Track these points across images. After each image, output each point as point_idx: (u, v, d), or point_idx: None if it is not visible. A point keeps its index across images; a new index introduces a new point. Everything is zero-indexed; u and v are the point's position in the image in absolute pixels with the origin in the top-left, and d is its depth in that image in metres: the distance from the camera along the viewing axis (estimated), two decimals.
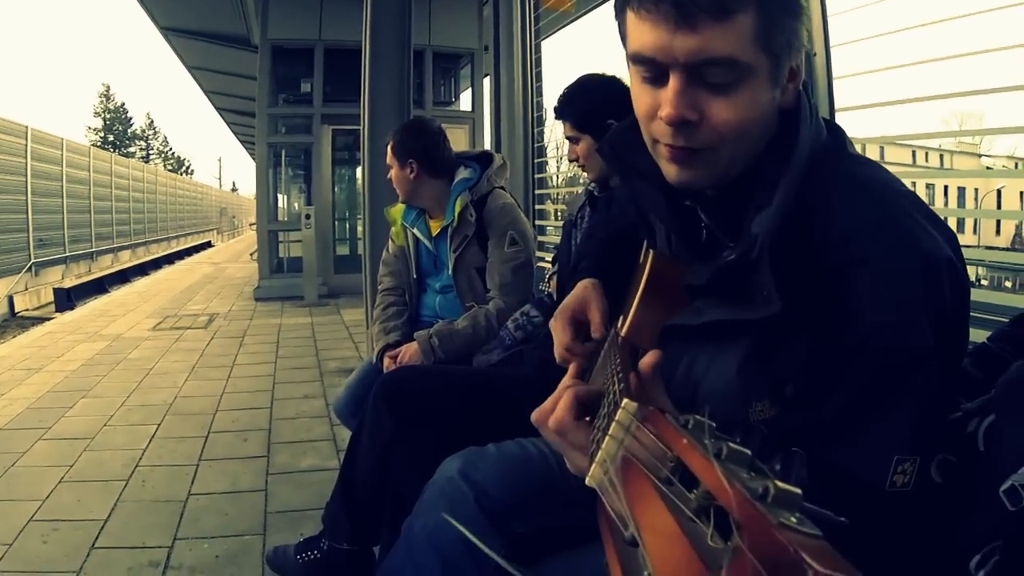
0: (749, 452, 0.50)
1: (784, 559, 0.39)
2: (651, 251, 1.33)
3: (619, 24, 1.10)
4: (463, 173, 3.16)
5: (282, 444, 4.62)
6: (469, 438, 1.77)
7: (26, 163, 19.38)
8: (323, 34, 12.25)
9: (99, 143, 71.55)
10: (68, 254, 22.57)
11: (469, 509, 1.51)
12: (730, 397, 1.07)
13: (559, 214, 6.27)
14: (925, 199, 1.08)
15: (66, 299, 17.96)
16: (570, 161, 2.87)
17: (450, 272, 3.13)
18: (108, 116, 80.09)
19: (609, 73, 2.75)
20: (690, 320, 1.10)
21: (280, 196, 14.10)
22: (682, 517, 0.49)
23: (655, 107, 1.05)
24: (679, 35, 0.97)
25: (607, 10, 1.15)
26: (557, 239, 3.96)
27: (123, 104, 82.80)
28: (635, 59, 1.06)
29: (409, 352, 2.95)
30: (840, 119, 3.13)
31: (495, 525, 1.50)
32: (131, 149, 78.84)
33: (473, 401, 2.29)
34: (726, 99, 1.01)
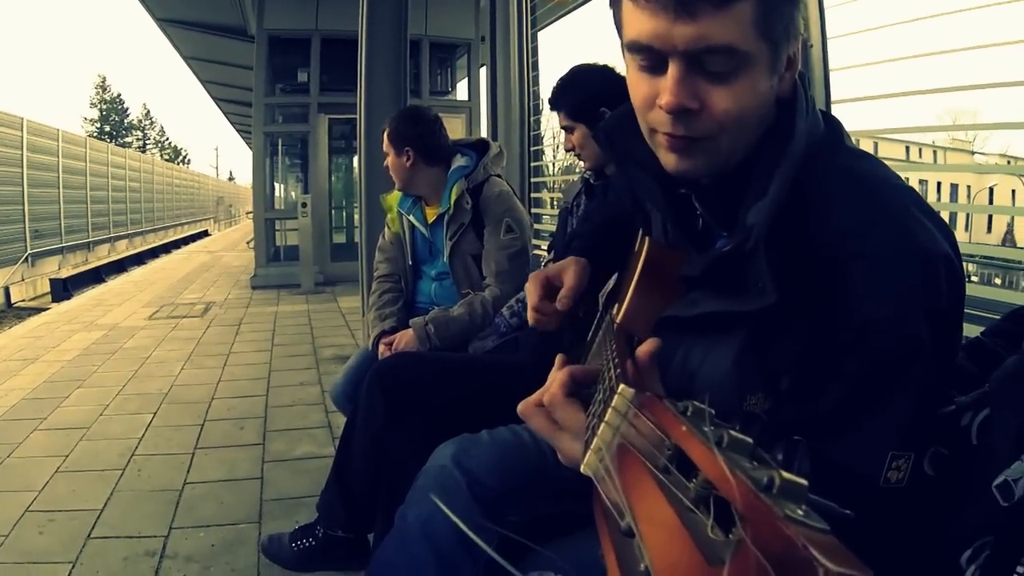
0: (751, 441, 0.49)
1: (793, 555, 0.38)
2: (647, 238, 1.32)
3: (614, 12, 1.09)
4: (459, 161, 3.16)
5: (278, 432, 4.62)
6: (463, 425, 1.76)
7: (22, 154, 19.34)
8: (320, 24, 12.22)
9: (95, 134, 71.51)
10: (64, 244, 22.55)
11: (462, 497, 1.51)
12: (726, 389, 1.05)
13: (555, 202, 6.27)
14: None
15: (62, 289, 17.91)
16: (566, 151, 2.87)
17: (446, 259, 3.13)
18: (104, 107, 80.00)
19: (602, 63, 2.75)
20: (685, 311, 1.09)
21: (277, 185, 14.09)
22: (680, 507, 0.47)
23: (653, 96, 1.04)
24: (679, 23, 0.96)
25: (603, 1, 1.14)
26: (553, 227, 3.96)
27: (119, 95, 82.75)
28: (632, 47, 1.04)
29: (404, 339, 2.95)
30: (836, 111, 3.13)
31: (488, 513, 1.50)
32: (128, 139, 78.81)
33: (467, 388, 2.29)
34: (726, 87, 1.00)
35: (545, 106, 6.42)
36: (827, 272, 0.98)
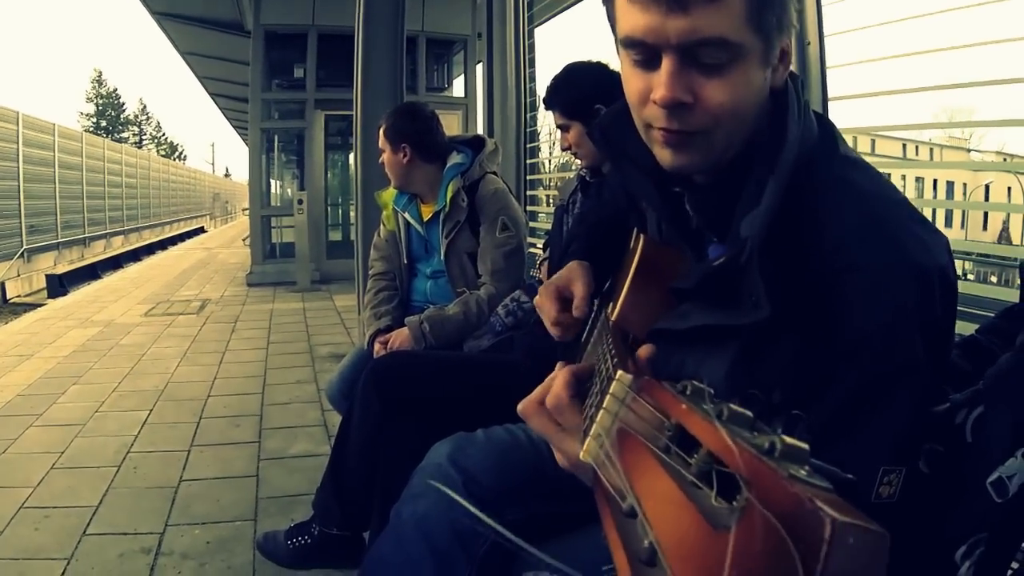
0: (751, 414, 0.49)
1: (800, 511, 0.38)
2: (641, 236, 1.32)
3: (607, 9, 1.09)
4: (455, 158, 3.15)
5: (273, 429, 4.62)
6: (458, 424, 1.76)
7: (18, 149, 19.29)
8: (316, 19, 12.22)
9: (92, 129, 71.25)
10: (60, 240, 22.50)
11: (458, 495, 1.51)
12: None
13: (551, 200, 6.27)
14: (914, 192, 1.07)
15: (58, 285, 17.90)
16: (562, 150, 2.87)
17: (441, 257, 3.12)
18: (100, 102, 79.76)
19: (596, 60, 2.75)
20: (677, 324, 1.08)
21: (273, 181, 14.08)
22: (683, 482, 0.48)
23: (647, 90, 1.04)
24: (671, 17, 0.96)
25: None
26: (549, 225, 3.96)
27: (116, 90, 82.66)
28: (626, 43, 1.04)
29: (400, 338, 2.94)
30: (833, 108, 3.13)
31: (484, 511, 1.50)
32: (124, 135, 78.52)
33: (463, 387, 2.29)
34: (719, 80, 1.00)
35: (541, 103, 6.43)
36: (821, 285, 0.97)
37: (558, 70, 2.78)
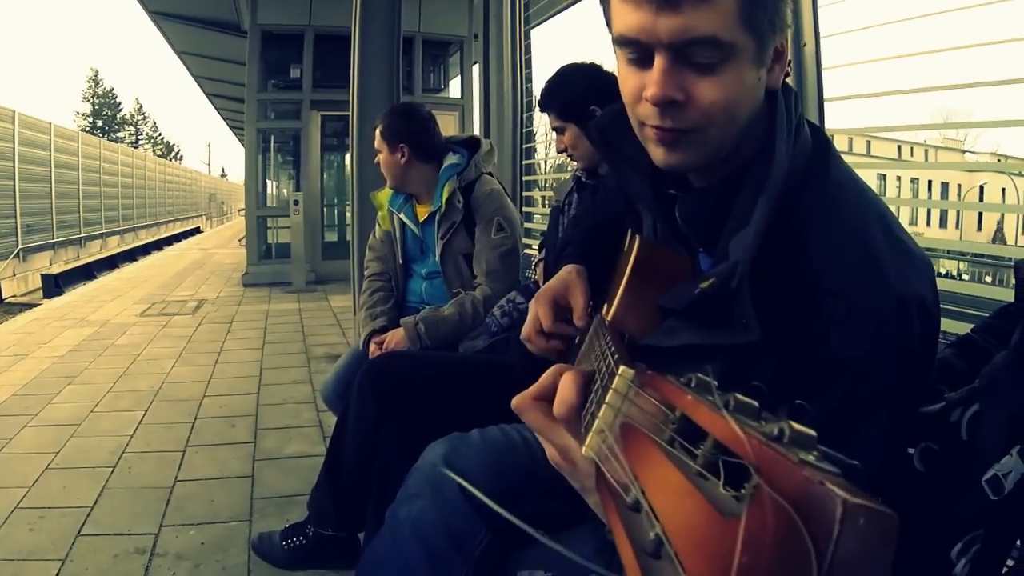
0: (757, 404, 0.49)
1: (810, 493, 0.38)
2: (637, 237, 1.33)
3: (603, 8, 1.09)
4: (451, 159, 3.15)
5: (269, 430, 4.62)
6: (453, 424, 1.77)
7: (13, 148, 19.28)
8: (313, 19, 12.20)
9: (88, 128, 71.22)
10: (56, 240, 22.48)
11: (452, 496, 1.51)
12: None
13: (547, 201, 6.27)
14: (910, 193, 1.07)
15: (54, 285, 17.89)
16: (558, 152, 2.87)
17: (437, 258, 3.12)
18: (97, 101, 79.69)
19: (590, 61, 2.76)
20: (664, 341, 1.08)
21: (269, 182, 14.06)
22: (690, 473, 0.48)
23: (641, 88, 1.04)
24: (662, 15, 0.97)
25: (595, 0, 1.14)
26: (544, 226, 3.96)
27: (112, 89, 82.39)
28: (620, 41, 1.05)
29: (395, 338, 2.94)
30: (829, 109, 3.14)
31: (478, 512, 1.50)
32: (120, 134, 78.49)
33: (458, 387, 2.30)
34: (712, 79, 1.00)
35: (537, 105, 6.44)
36: (802, 307, 0.98)
37: (554, 72, 2.79)
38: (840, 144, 1.20)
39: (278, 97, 13.03)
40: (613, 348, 0.84)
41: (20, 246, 19.54)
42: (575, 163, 2.89)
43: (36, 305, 12.74)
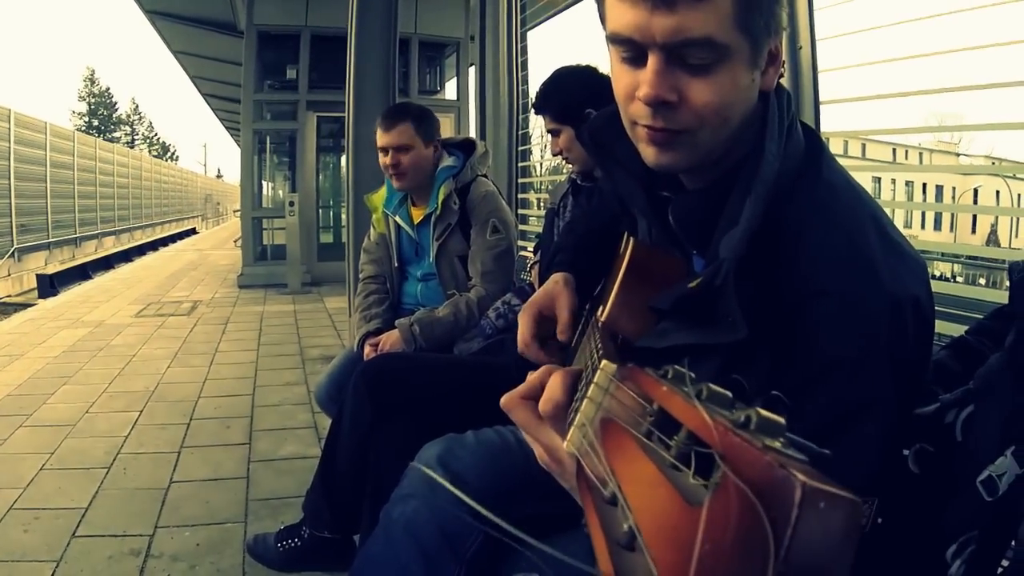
0: (730, 394, 0.49)
1: (771, 477, 0.38)
2: (631, 239, 1.33)
3: (598, 4, 1.09)
4: (447, 161, 3.15)
5: (264, 431, 4.62)
6: (448, 426, 1.77)
7: (9, 147, 19.27)
8: (309, 20, 12.19)
9: (84, 128, 71.11)
10: (51, 240, 22.46)
11: (447, 497, 1.51)
12: None
13: (542, 203, 6.28)
14: (904, 196, 1.07)
15: (49, 285, 17.82)
16: (553, 155, 2.88)
17: (432, 260, 3.13)
18: (93, 100, 79.64)
19: (585, 63, 2.76)
20: (656, 343, 1.07)
21: (265, 183, 14.05)
22: (663, 465, 0.48)
23: (634, 87, 1.04)
24: (657, 15, 0.96)
25: (592, 2, 1.14)
26: (540, 228, 3.96)
27: (108, 88, 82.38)
28: (613, 39, 1.04)
29: (390, 339, 2.94)
30: (824, 112, 3.15)
31: (473, 513, 1.50)
32: (116, 134, 78.46)
33: (453, 389, 2.30)
34: (705, 80, 1.00)
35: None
36: (793, 307, 0.98)
37: (549, 74, 2.79)
38: (836, 147, 1.20)
39: (274, 98, 13.02)
40: (600, 346, 0.84)
41: (15, 246, 19.53)
42: (570, 166, 2.89)
43: (31, 305, 12.70)
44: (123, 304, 10.34)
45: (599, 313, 1.22)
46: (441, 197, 3.05)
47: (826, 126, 3.19)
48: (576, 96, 2.62)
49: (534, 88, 6.25)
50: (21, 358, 6.79)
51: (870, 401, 0.96)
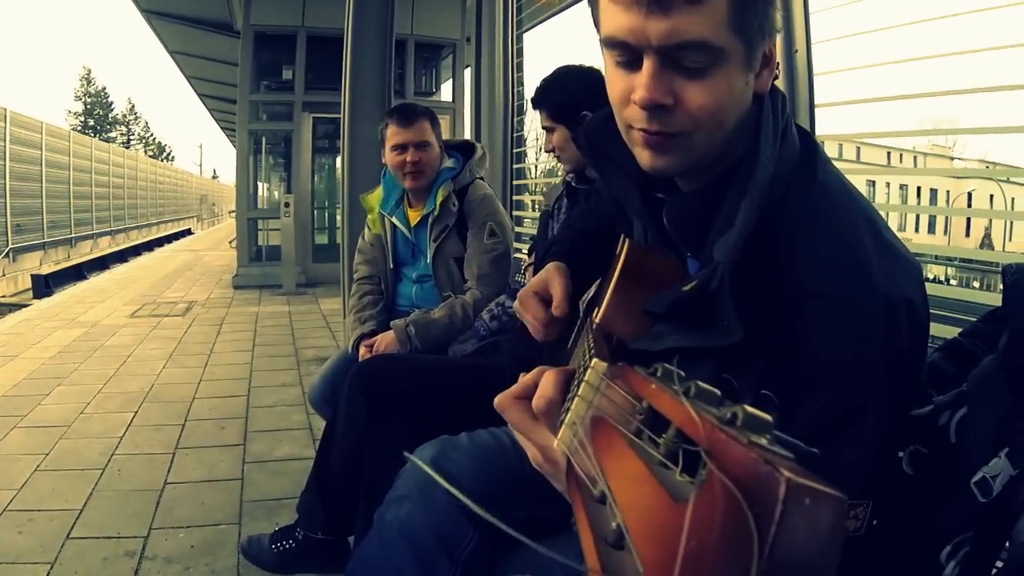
0: (718, 392, 0.49)
1: (755, 473, 0.38)
2: (627, 240, 1.33)
3: (592, 8, 1.09)
4: (446, 162, 3.16)
5: (259, 432, 4.62)
6: (442, 427, 1.77)
7: (4, 146, 19.23)
8: (306, 20, 12.18)
9: (79, 127, 71.05)
10: (46, 240, 22.43)
11: (441, 499, 1.51)
12: None
13: (536, 205, 6.27)
14: (898, 199, 1.07)
15: (44, 285, 17.82)
16: (546, 151, 2.88)
17: (429, 261, 3.13)
18: (89, 100, 79.55)
19: (589, 64, 2.75)
20: (650, 346, 1.06)
21: (260, 184, 14.01)
22: (652, 462, 0.48)
23: (629, 91, 1.04)
24: (652, 18, 0.96)
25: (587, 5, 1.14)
26: (534, 230, 3.96)
27: (104, 88, 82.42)
28: (608, 43, 1.04)
29: (385, 340, 2.95)
30: (819, 115, 3.15)
31: (467, 515, 1.50)
32: (112, 134, 78.35)
33: (448, 391, 2.30)
34: (700, 83, 1.00)
35: (528, 108, 6.43)
36: (788, 309, 0.98)
37: (545, 75, 2.78)
38: (830, 150, 1.20)
39: (270, 98, 13.01)
40: (593, 347, 0.84)
41: (10, 246, 19.49)
42: (563, 166, 2.89)
43: (26, 306, 12.67)
44: (118, 305, 10.32)
45: (594, 315, 1.22)
46: (440, 199, 3.05)
47: (821, 129, 3.19)
48: (575, 96, 2.62)
49: (529, 90, 6.26)
50: (16, 359, 6.77)
51: (864, 402, 0.95)
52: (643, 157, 1.09)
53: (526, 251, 3.98)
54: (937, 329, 1.95)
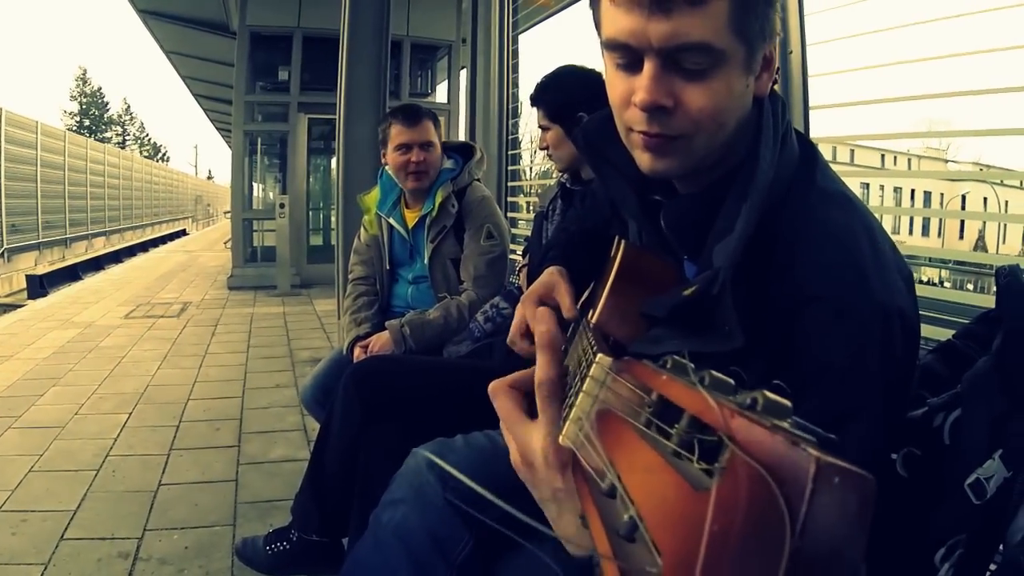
0: (732, 381, 0.49)
1: (783, 453, 0.38)
2: (622, 242, 1.33)
3: (593, 11, 1.09)
4: (446, 163, 3.16)
5: (253, 434, 4.61)
6: (437, 429, 1.77)
7: (0, 146, 19.18)
8: (302, 21, 12.18)
9: (75, 127, 70.94)
10: (41, 240, 22.39)
11: (436, 501, 1.51)
12: None
13: (531, 207, 6.28)
14: (892, 201, 1.06)
15: (38, 286, 17.77)
16: (540, 149, 2.88)
17: (426, 262, 3.12)
18: (84, 100, 79.40)
19: (590, 66, 2.75)
20: (650, 349, 1.04)
21: (255, 185, 14.00)
22: (665, 452, 0.47)
23: (629, 93, 1.04)
24: (653, 20, 0.96)
25: (584, 5, 1.14)
26: (528, 232, 3.96)
27: (100, 88, 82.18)
28: (609, 45, 1.04)
29: (380, 341, 2.95)
30: (814, 117, 3.15)
31: (462, 518, 1.50)
32: (107, 134, 78.25)
33: (442, 392, 2.29)
34: (701, 85, 1.00)
35: (524, 110, 6.43)
36: (787, 313, 0.98)
37: (541, 77, 2.78)
38: (824, 152, 1.20)
39: (265, 99, 13.01)
40: (594, 343, 0.84)
41: (5, 246, 19.45)
42: (555, 164, 2.89)
43: (20, 306, 12.66)
44: (113, 305, 10.31)
45: (590, 316, 1.22)
46: (439, 200, 3.05)
47: (816, 131, 3.20)
48: (574, 96, 2.61)
49: (525, 92, 6.24)
50: (10, 359, 6.75)
51: (860, 406, 0.96)
52: (643, 160, 1.09)
53: (520, 252, 3.98)
54: (931, 331, 1.95)
